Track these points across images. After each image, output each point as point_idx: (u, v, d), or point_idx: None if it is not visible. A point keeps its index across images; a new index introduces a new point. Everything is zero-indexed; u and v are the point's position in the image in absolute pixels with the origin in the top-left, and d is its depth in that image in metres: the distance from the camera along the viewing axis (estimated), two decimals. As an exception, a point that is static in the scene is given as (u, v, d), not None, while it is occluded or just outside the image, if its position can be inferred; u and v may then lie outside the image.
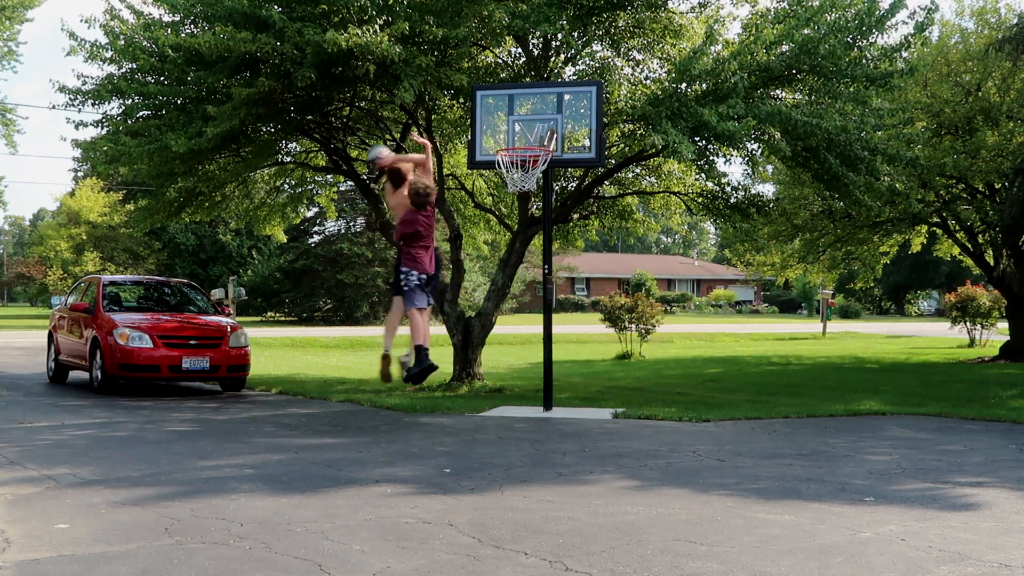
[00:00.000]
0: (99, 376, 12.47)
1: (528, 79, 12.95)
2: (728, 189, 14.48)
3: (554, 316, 11.81)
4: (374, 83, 11.92)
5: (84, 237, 46.27)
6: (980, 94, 17.69)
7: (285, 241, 29.60)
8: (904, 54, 11.99)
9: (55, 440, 8.21)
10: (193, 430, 8.92)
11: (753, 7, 12.43)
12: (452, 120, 14.40)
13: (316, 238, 44.82)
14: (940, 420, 9.92)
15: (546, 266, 10.81)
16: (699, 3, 12.94)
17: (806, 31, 11.04)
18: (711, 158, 12.48)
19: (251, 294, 44.09)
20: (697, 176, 14.76)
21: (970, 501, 5.75)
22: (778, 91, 11.96)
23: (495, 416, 10.05)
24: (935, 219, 19.85)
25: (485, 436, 8.54)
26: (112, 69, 12.40)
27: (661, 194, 15.33)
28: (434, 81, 11.31)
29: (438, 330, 17.55)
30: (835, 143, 11.46)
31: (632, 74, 13.67)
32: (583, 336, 28.76)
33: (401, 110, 13.43)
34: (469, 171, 15.42)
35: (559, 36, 12.14)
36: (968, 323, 25.39)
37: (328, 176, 17.25)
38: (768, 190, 31.06)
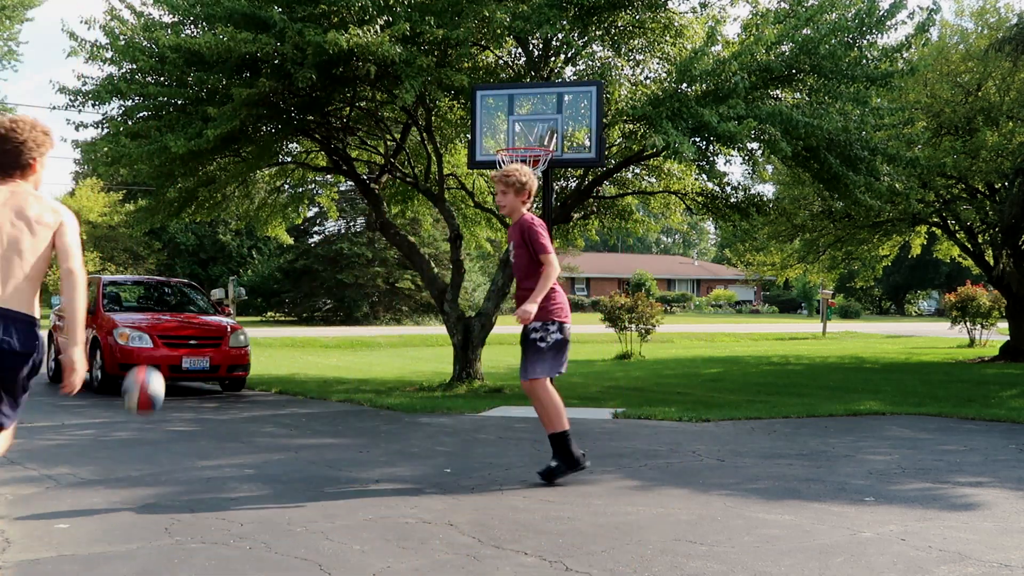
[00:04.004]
0: (99, 376, 12.48)
1: (528, 79, 12.95)
2: (728, 189, 14.49)
3: (554, 316, 11.79)
4: (375, 83, 11.92)
5: (84, 237, 46.30)
6: (980, 94, 17.69)
7: (290, 241, 29.58)
8: (904, 54, 12.00)
9: (55, 440, 8.21)
10: (193, 430, 8.92)
11: (754, 7, 12.43)
12: (452, 121, 14.40)
13: (316, 238, 44.83)
14: (940, 420, 9.92)
15: (546, 266, 10.80)
16: (700, 3, 12.94)
17: (806, 31, 11.05)
18: (711, 158, 12.49)
19: (251, 294, 44.09)
20: (697, 176, 14.77)
21: (970, 501, 5.75)
22: (778, 91, 11.96)
23: (495, 416, 10.05)
24: (935, 219, 19.85)
25: (485, 436, 8.54)
26: (112, 70, 12.40)
27: (661, 194, 15.34)
28: (434, 81, 11.31)
29: (439, 330, 17.56)
30: (835, 143, 11.47)
31: (632, 74, 13.67)
32: (583, 336, 28.75)
33: (401, 110, 13.42)
34: (469, 171, 15.43)
35: (559, 36, 12.15)
36: (968, 323, 25.40)
37: (328, 176, 17.26)
38: (768, 190, 31.06)
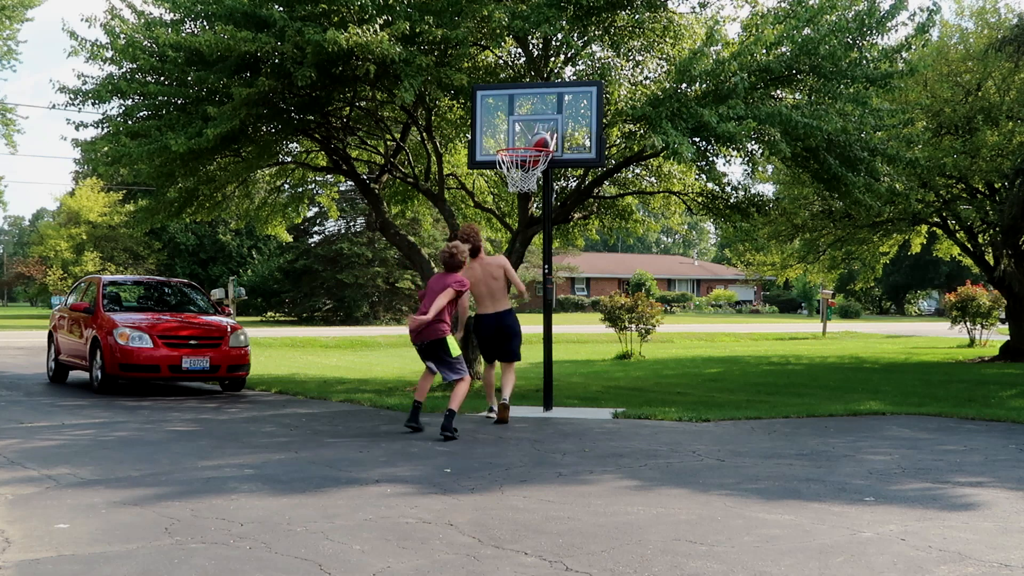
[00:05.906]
0: (99, 376, 12.47)
1: (528, 79, 12.96)
2: (728, 189, 14.48)
3: (554, 316, 11.81)
4: (374, 83, 11.91)
5: (84, 237, 46.27)
6: (980, 94, 17.69)
7: (290, 240, 29.50)
8: (904, 55, 11.99)
9: (55, 440, 8.22)
10: (193, 430, 8.92)
11: (753, 7, 12.42)
12: (452, 120, 14.41)
13: (316, 238, 44.84)
14: (940, 420, 9.92)
15: (546, 266, 10.80)
16: (699, 3, 12.94)
17: (806, 31, 11.04)
18: (711, 159, 12.49)
19: (251, 294, 44.10)
20: (697, 176, 14.76)
21: (970, 501, 5.75)
22: (778, 91, 11.95)
23: (495, 416, 10.04)
24: (935, 219, 19.86)
25: (485, 436, 8.54)
26: (112, 69, 12.39)
27: (661, 194, 15.34)
28: (434, 81, 11.31)
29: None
30: (835, 143, 11.46)
31: (632, 75, 13.66)
32: (583, 336, 28.76)
33: (401, 110, 13.43)
34: (469, 171, 15.43)
35: (559, 36, 12.15)
36: (968, 323, 25.40)
37: (328, 176, 17.26)
38: (768, 190, 31.06)
